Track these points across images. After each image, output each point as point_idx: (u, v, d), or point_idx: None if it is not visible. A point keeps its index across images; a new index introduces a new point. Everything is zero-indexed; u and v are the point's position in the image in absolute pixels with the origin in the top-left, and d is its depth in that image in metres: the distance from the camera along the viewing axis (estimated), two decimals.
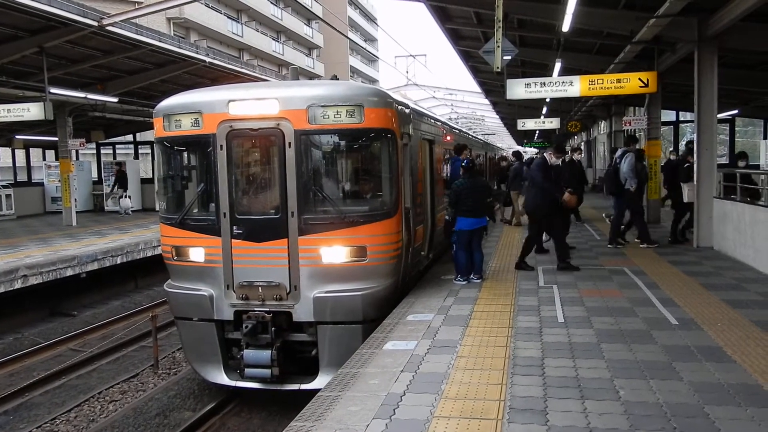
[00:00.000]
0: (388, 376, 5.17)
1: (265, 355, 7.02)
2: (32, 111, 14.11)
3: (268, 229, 7.24)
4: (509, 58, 10.36)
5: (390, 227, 7.37)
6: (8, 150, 25.87)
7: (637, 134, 17.82)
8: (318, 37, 61.91)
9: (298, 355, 7.40)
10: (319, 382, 6.88)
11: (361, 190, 7.83)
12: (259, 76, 19.87)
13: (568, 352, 5.61)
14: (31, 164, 27.02)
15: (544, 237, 10.74)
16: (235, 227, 7.29)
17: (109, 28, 12.79)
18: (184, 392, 8.24)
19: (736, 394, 4.53)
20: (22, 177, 26.17)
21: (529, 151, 47.12)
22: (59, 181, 21.19)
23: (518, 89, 12.06)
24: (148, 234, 16.09)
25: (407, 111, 8.40)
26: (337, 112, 7.10)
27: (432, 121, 11.07)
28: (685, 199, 11.62)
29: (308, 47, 61.86)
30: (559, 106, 24.52)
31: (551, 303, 7.47)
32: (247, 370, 7.13)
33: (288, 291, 7.18)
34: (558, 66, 14.69)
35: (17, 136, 23.01)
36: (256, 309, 7.18)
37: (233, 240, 7.30)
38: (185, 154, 8.26)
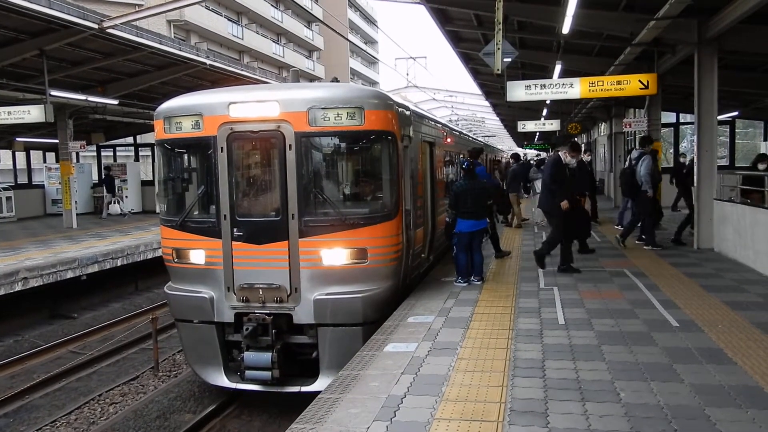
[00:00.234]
0: (388, 378, 5.16)
1: (266, 357, 7.01)
2: (33, 113, 14.13)
3: (268, 231, 7.24)
4: (509, 60, 10.37)
5: (390, 229, 7.37)
6: (9, 152, 25.88)
7: (640, 134, 17.78)
8: (318, 39, 61.97)
9: (298, 357, 7.40)
10: (319, 384, 6.88)
11: (361, 192, 7.83)
12: (260, 78, 19.89)
13: (568, 354, 5.61)
14: (32, 166, 27.00)
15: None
16: (235, 229, 7.29)
17: (110, 30, 12.81)
18: (185, 394, 8.23)
19: (737, 396, 4.53)
20: (22, 179, 26.18)
21: (529, 153, 47.21)
22: (60, 183, 21.21)
23: (518, 91, 12.07)
24: (149, 236, 16.09)
25: (407, 113, 8.41)
26: (338, 114, 7.11)
27: (432, 123, 11.08)
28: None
29: (308, 49, 61.92)
30: (560, 108, 24.52)
31: (552, 305, 7.47)
32: (248, 373, 7.13)
33: (288, 293, 7.18)
34: (558, 68, 14.69)
35: (18, 139, 23.02)
36: (256, 311, 7.18)
37: (234, 242, 7.30)
38: (186, 157, 8.26)
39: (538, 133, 36.56)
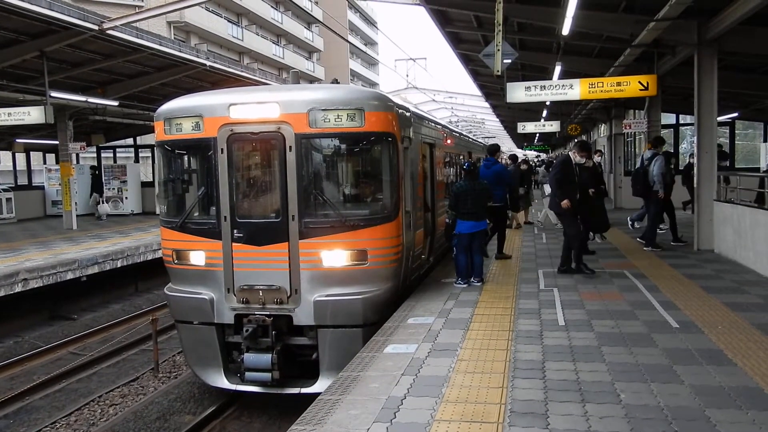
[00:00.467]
0: (388, 380, 5.16)
1: (266, 358, 7.01)
2: (33, 115, 14.14)
3: (268, 232, 7.24)
4: (509, 61, 10.39)
5: (390, 231, 7.37)
6: (9, 153, 25.90)
7: (639, 135, 17.78)
8: (318, 40, 62.01)
9: (298, 359, 7.40)
10: (319, 385, 6.88)
11: (361, 193, 7.83)
12: (260, 79, 19.91)
13: (568, 356, 5.61)
14: (32, 168, 27.04)
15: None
16: (235, 231, 7.29)
17: (110, 32, 12.82)
18: (185, 396, 8.23)
19: (737, 398, 4.53)
20: (22, 180, 26.20)
21: (529, 154, 47.23)
22: (60, 184, 21.20)
23: (518, 92, 12.08)
24: (149, 237, 16.10)
25: (408, 114, 8.41)
26: (338, 115, 7.11)
27: (432, 124, 11.09)
28: None
29: (308, 51, 61.96)
30: (559, 109, 24.54)
31: (552, 306, 7.47)
32: (248, 374, 7.13)
33: (288, 294, 7.18)
34: (558, 69, 14.71)
35: (18, 140, 23.04)
36: (256, 312, 7.18)
37: (234, 243, 7.30)
38: (186, 158, 8.27)
39: (538, 135, 36.60)
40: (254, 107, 7.29)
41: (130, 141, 27.32)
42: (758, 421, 4.15)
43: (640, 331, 6.32)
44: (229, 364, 7.54)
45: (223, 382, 7.51)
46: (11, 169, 26.92)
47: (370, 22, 78.60)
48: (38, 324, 12.35)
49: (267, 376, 7.03)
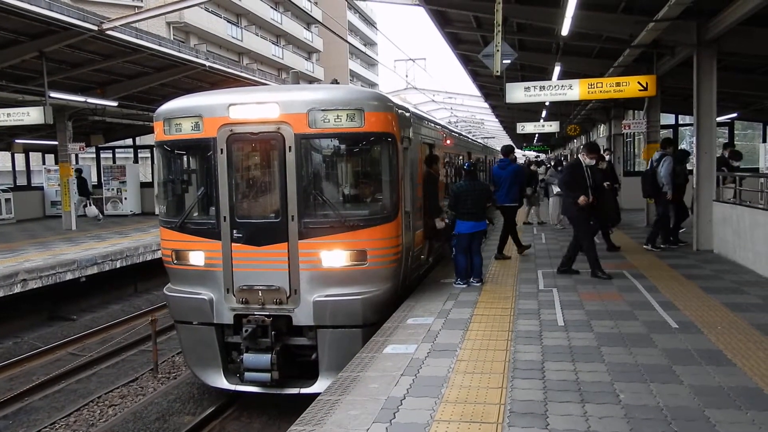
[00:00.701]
0: (388, 380, 5.16)
1: (265, 359, 7.01)
2: (32, 115, 14.13)
3: (268, 232, 7.24)
4: (509, 61, 10.38)
5: (390, 231, 7.37)
6: (8, 154, 25.87)
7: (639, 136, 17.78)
8: (317, 41, 62.02)
9: (297, 359, 7.40)
10: (318, 386, 6.88)
11: (361, 194, 7.83)
12: (259, 80, 19.90)
13: (568, 356, 5.61)
14: (31, 168, 27.03)
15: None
16: (235, 231, 7.29)
17: (109, 32, 12.81)
18: (184, 396, 8.23)
19: (737, 398, 4.53)
20: (21, 181, 26.18)
21: (528, 155, 47.22)
22: (59, 185, 21.18)
23: (517, 93, 12.08)
24: (148, 238, 16.09)
25: (407, 115, 8.41)
26: (338, 116, 7.12)
27: (432, 124, 11.09)
28: None
29: (308, 51, 61.97)
30: (559, 110, 24.54)
31: (551, 306, 7.47)
32: (247, 374, 7.13)
33: (288, 295, 7.18)
34: (557, 69, 14.71)
35: (17, 140, 23.03)
36: (256, 313, 7.18)
37: (233, 244, 7.30)
38: (185, 158, 8.26)
39: (537, 135, 36.59)
40: (254, 107, 7.29)
41: (129, 141, 27.31)
42: (758, 421, 4.15)
43: (640, 331, 6.32)
44: (229, 364, 7.54)
45: (222, 382, 7.51)
46: (10, 169, 26.90)
47: (370, 22, 78.62)
48: (37, 325, 12.34)
49: (266, 376, 7.02)
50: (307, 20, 56.71)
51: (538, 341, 6.09)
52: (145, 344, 10.56)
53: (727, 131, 22.84)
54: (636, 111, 21.32)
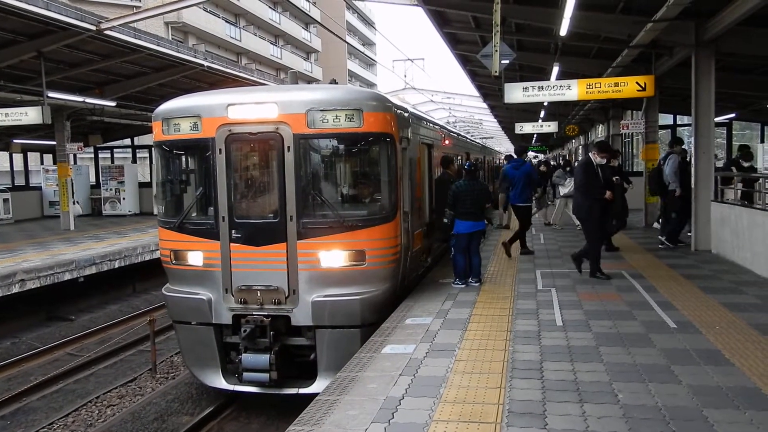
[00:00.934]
0: (386, 380, 5.16)
1: (264, 359, 7.01)
2: (30, 115, 14.11)
3: (266, 233, 7.24)
4: (507, 62, 10.38)
5: (389, 231, 7.37)
6: (6, 154, 25.84)
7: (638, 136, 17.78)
8: (316, 41, 62.02)
9: (296, 359, 7.39)
10: (317, 386, 6.87)
11: (359, 194, 7.83)
12: (258, 80, 19.89)
13: (566, 356, 5.61)
14: (29, 168, 26.99)
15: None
16: (233, 231, 7.29)
17: (108, 32, 12.80)
18: (182, 396, 8.22)
19: (735, 398, 4.53)
20: (19, 181, 26.15)
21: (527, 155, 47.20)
22: (57, 185, 21.13)
23: (516, 93, 12.09)
24: (146, 238, 16.07)
25: (406, 115, 8.41)
26: (336, 116, 7.11)
27: (430, 125, 11.10)
28: None
29: (306, 51, 61.96)
30: (557, 110, 24.55)
31: (550, 306, 7.47)
32: (246, 374, 7.12)
33: (286, 295, 7.18)
34: (556, 70, 14.72)
35: (15, 140, 22.99)
36: (254, 313, 7.17)
37: (232, 244, 7.29)
38: (184, 158, 8.26)
39: (535, 135, 36.60)
40: (252, 107, 7.29)
41: (127, 141, 27.28)
42: (756, 420, 4.15)
43: (638, 331, 6.33)
44: (227, 364, 7.53)
45: (221, 382, 7.50)
46: (8, 169, 26.86)
47: (368, 22, 78.59)
48: (36, 325, 12.33)
49: (265, 376, 7.02)
50: (306, 20, 56.71)
51: (537, 341, 6.09)
52: (143, 344, 10.55)
53: (725, 132, 22.87)
54: (634, 111, 21.34)
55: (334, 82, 9.92)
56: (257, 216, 7.45)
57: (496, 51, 9.87)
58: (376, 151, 7.58)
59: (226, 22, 44.13)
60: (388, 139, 7.41)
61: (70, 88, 17.03)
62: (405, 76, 33.77)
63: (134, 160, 27.46)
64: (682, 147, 12.32)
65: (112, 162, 27.05)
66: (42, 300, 12.54)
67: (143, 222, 20.90)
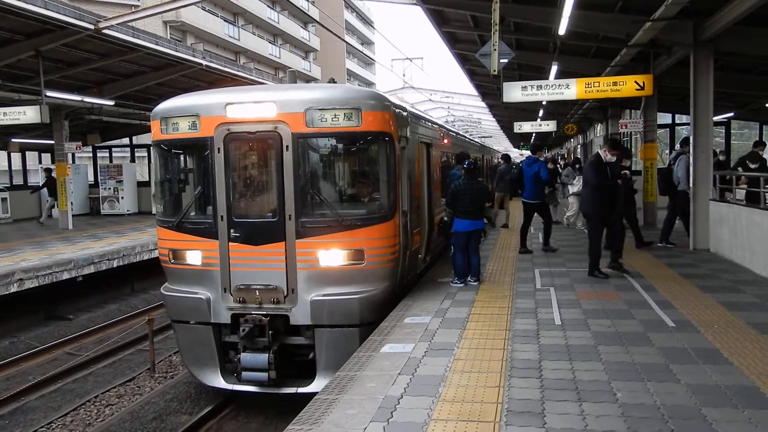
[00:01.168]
0: (385, 379, 5.16)
1: (262, 358, 7.00)
2: (28, 114, 14.08)
3: (265, 232, 7.23)
4: (506, 61, 10.38)
5: (387, 231, 7.37)
6: (4, 153, 25.79)
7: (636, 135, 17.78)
8: (315, 40, 61.97)
9: (295, 359, 7.39)
10: (316, 385, 6.87)
11: (358, 193, 7.83)
12: (256, 79, 19.88)
13: (565, 355, 5.61)
14: (27, 167, 26.95)
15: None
16: (232, 230, 7.28)
17: (106, 31, 12.79)
18: (181, 396, 8.22)
19: (733, 396, 4.54)
20: (18, 180, 26.10)
21: (525, 154, 47.25)
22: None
23: (515, 92, 12.10)
24: (145, 237, 16.06)
25: (404, 114, 8.41)
26: (335, 115, 7.11)
27: (429, 124, 11.09)
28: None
29: (305, 50, 61.92)
30: (556, 109, 24.56)
31: (548, 305, 7.48)
32: (244, 374, 7.12)
33: (285, 294, 7.17)
34: (554, 69, 14.72)
35: (13, 140, 22.94)
36: (253, 312, 7.17)
37: (230, 243, 7.29)
38: (183, 157, 8.25)
39: (534, 134, 36.62)
40: (251, 106, 7.28)
41: (126, 141, 27.22)
42: (754, 419, 4.16)
43: (637, 330, 6.33)
44: (226, 363, 7.53)
45: (219, 381, 7.50)
46: (6, 169, 26.81)
47: (367, 21, 78.57)
48: (34, 324, 12.31)
49: (264, 375, 7.02)
50: (305, 19, 56.66)
51: (536, 340, 6.09)
52: (142, 344, 10.54)
53: (723, 131, 22.88)
54: (633, 110, 21.36)
55: (332, 81, 9.92)
56: (256, 215, 7.45)
57: (495, 50, 9.87)
58: (374, 150, 7.58)
59: (225, 21, 44.09)
60: (386, 138, 7.41)
61: (69, 87, 17.00)
62: (404, 75, 33.82)
63: (132, 160, 27.42)
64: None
65: (111, 161, 26.99)
66: (40, 299, 12.52)
67: (142, 221, 20.87)
